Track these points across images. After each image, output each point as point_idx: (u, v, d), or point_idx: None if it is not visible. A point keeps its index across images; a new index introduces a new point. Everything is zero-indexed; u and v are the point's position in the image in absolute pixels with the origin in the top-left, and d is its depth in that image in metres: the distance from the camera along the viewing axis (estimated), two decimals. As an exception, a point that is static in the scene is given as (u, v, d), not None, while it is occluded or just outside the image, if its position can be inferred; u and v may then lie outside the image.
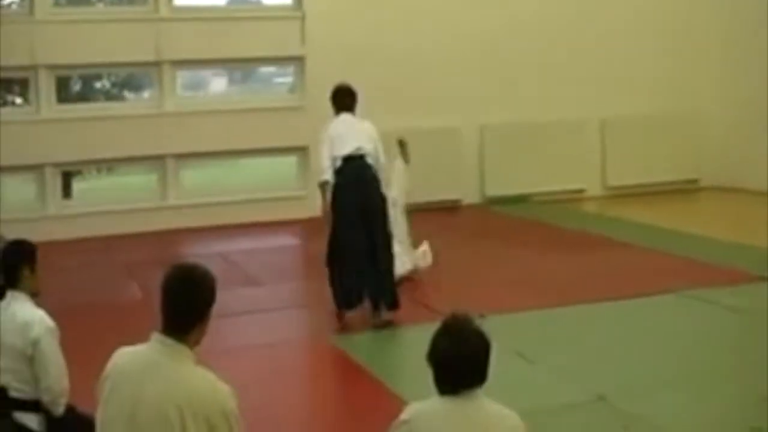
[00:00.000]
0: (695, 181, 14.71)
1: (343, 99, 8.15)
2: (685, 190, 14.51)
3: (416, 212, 12.56)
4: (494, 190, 13.70)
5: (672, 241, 10.68)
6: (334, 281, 7.72)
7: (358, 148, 7.60)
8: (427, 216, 12.59)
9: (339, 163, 7.57)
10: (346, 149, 7.58)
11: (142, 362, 3.29)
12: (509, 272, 9.49)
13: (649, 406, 5.76)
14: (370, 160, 7.65)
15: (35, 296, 4.67)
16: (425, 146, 13.06)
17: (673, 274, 9.16)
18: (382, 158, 7.84)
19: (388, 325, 7.49)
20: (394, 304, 7.59)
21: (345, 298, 7.61)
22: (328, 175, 7.54)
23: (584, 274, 9.33)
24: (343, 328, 7.54)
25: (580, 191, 14.19)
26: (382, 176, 7.77)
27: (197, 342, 3.34)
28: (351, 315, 7.64)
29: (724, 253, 9.92)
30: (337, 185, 7.53)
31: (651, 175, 14.37)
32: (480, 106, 13.48)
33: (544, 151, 13.76)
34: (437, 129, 13.23)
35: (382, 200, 7.69)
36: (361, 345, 7.05)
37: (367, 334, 7.41)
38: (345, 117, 7.98)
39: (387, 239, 7.65)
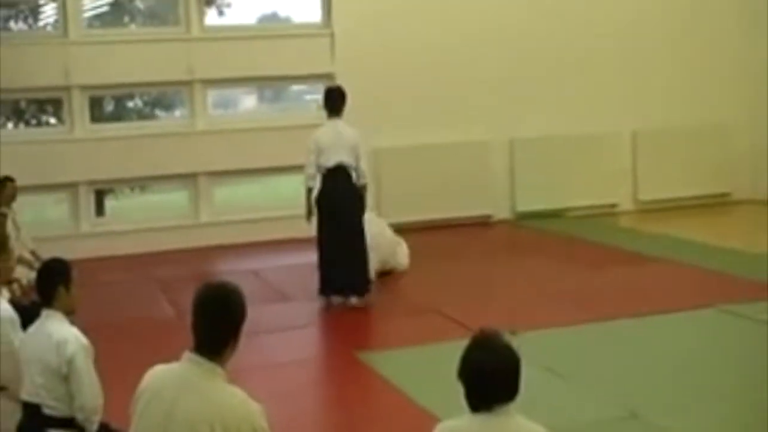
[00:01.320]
0: (728, 194, 14.59)
1: (336, 102, 9.09)
2: (718, 203, 14.39)
3: (447, 227, 12.64)
4: (525, 205, 13.64)
5: (706, 256, 10.60)
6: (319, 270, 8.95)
7: (340, 162, 8.75)
8: (458, 231, 12.61)
9: (323, 171, 8.78)
10: (330, 162, 8.75)
11: (175, 380, 3.32)
12: (540, 288, 9.44)
13: (683, 422, 5.72)
14: (350, 171, 8.80)
15: (70, 315, 4.71)
16: (454, 161, 13.12)
17: (707, 288, 9.09)
18: (362, 164, 8.91)
19: (358, 308, 8.69)
20: (362, 292, 8.80)
21: (321, 284, 8.89)
22: (313, 183, 8.87)
23: (617, 289, 9.28)
24: (327, 309, 8.81)
25: (612, 206, 14.11)
26: (363, 180, 8.92)
27: (228, 359, 3.37)
28: (336, 300, 8.83)
29: (759, 267, 9.82)
30: (320, 193, 8.81)
31: (683, 189, 14.26)
32: (510, 120, 13.46)
33: (575, 165, 13.70)
34: (467, 143, 13.23)
35: (358, 206, 8.85)
36: (391, 361, 7.04)
37: (397, 351, 7.41)
38: (334, 124, 8.98)
39: (359, 238, 8.81)
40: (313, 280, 9.54)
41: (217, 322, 3.34)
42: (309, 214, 8.94)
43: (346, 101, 9.12)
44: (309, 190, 8.91)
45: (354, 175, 8.85)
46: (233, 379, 3.36)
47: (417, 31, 13.01)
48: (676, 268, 10.08)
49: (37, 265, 7.08)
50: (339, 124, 8.97)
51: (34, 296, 4.93)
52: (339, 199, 8.78)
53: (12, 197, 10.05)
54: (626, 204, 14.24)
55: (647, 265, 10.40)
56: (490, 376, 3.19)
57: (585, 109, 13.80)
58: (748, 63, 14.45)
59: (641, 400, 6.10)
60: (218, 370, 3.32)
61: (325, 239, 8.87)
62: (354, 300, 8.85)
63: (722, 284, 9.25)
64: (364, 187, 8.97)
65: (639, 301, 8.66)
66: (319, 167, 8.81)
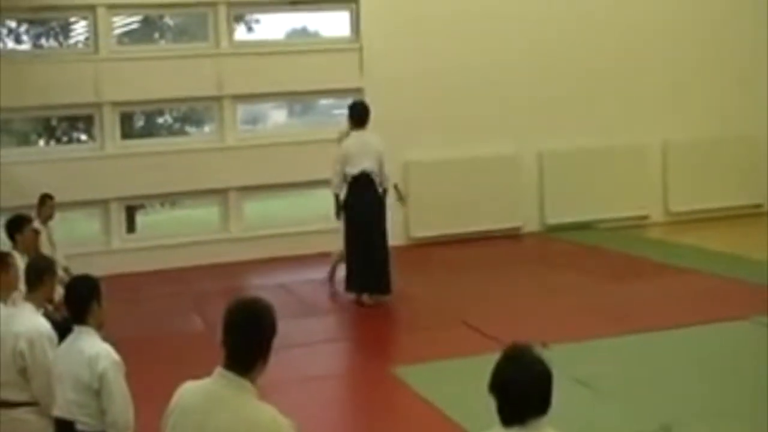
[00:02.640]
0: (759, 205, 14.47)
1: (361, 116, 9.76)
2: (750, 215, 14.26)
3: (477, 240, 12.60)
4: (554, 217, 13.60)
5: (738, 267, 10.50)
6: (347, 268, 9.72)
7: (363, 170, 9.44)
8: (488, 244, 12.58)
9: (349, 179, 9.48)
10: (355, 170, 9.44)
11: (206, 396, 3.33)
12: (571, 300, 9.40)
13: (717, 436, 5.66)
14: (373, 177, 9.50)
15: (101, 328, 4.73)
16: (484, 174, 13.11)
17: (740, 300, 9.01)
18: (386, 169, 9.66)
19: (375, 304, 9.30)
20: (383, 291, 9.42)
21: (348, 280, 9.64)
22: (340, 190, 9.58)
23: (649, 301, 9.21)
24: (358, 302, 9.49)
25: (643, 218, 14.03)
26: (387, 183, 9.69)
27: (259, 375, 3.37)
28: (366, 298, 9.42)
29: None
30: (347, 199, 9.54)
31: (714, 200, 14.16)
32: (538, 132, 13.43)
33: (605, 177, 13.64)
34: (495, 156, 13.21)
35: (380, 210, 9.53)
36: (422, 375, 7.02)
37: (429, 364, 7.39)
38: (359, 134, 9.62)
39: (382, 240, 9.48)
40: (344, 294, 9.60)
41: (247, 339, 3.35)
42: (338, 213, 9.76)
43: (370, 114, 9.80)
44: (336, 197, 9.72)
45: (377, 180, 9.56)
46: (264, 394, 3.36)
47: (445, 45, 13.02)
48: (709, 280, 10.00)
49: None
50: (365, 134, 9.64)
51: (65, 312, 4.96)
52: (364, 205, 9.49)
53: (50, 215, 10.15)
54: (657, 215, 14.16)
55: (679, 276, 10.32)
56: (522, 390, 3.17)
57: (614, 121, 13.76)
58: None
59: (674, 413, 6.05)
60: (249, 386, 3.32)
61: (352, 241, 9.55)
62: (375, 299, 9.46)
63: (755, 296, 9.15)
64: (386, 191, 9.73)
65: (671, 313, 8.59)
66: (345, 175, 9.52)
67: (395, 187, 10.23)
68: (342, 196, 9.60)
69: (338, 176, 9.57)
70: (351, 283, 9.63)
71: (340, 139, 9.98)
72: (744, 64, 14.35)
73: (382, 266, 9.43)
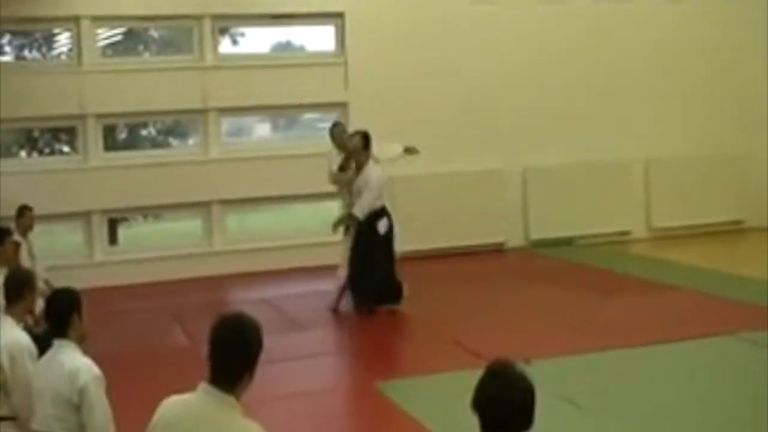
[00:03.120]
0: (740, 222, 14.54)
1: (371, 146, 9.91)
2: (731, 231, 14.34)
3: (460, 255, 12.61)
4: (538, 232, 13.63)
5: (720, 283, 10.54)
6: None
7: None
8: (472, 259, 12.59)
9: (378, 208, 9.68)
10: (381, 202, 9.77)
11: (189, 412, 3.31)
12: (555, 316, 9.41)
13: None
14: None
15: (82, 341, 4.70)
16: (469, 189, 13.12)
17: (722, 316, 9.04)
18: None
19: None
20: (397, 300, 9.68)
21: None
22: (363, 217, 9.64)
23: (631, 317, 9.23)
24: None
25: (625, 233, 14.08)
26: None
27: (244, 391, 3.35)
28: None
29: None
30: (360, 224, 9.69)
31: (696, 217, 14.23)
32: (523, 148, 13.47)
33: (589, 193, 13.69)
34: (481, 172, 13.23)
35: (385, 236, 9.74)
36: (406, 391, 7.01)
37: (413, 380, 7.38)
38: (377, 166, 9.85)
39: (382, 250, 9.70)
40: (327, 310, 9.60)
41: (233, 355, 3.33)
42: (347, 230, 10.02)
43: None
44: (353, 220, 9.86)
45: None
46: (247, 410, 3.34)
47: (430, 60, 13.05)
48: (691, 296, 10.03)
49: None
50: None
51: (46, 325, 4.91)
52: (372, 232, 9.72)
53: (29, 227, 10.08)
54: (640, 231, 14.20)
55: (661, 292, 10.35)
56: (504, 407, 3.15)
57: (598, 138, 13.81)
58: (762, 91, 14.43)
59: (656, 429, 6.05)
60: (233, 401, 3.30)
61: (353, 257, 9.79)
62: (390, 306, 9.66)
63: (737, 312, 9.20)
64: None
65: (654, 329, 8.61)
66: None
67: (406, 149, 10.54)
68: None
69: (372, 204, 9.68)
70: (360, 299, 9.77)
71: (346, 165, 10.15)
72: (725, 84, 14.45)
73: (389, 276, 9.73)
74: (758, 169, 14.42)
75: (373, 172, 9.77)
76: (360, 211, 9.67)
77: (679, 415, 6.36)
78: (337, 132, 10.57)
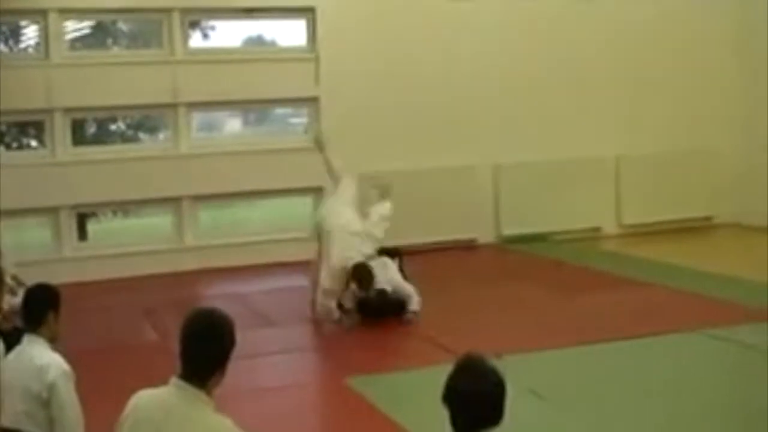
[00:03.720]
0: (710, 218, 14.66)
1: None
2: (700, 227, 14.45)
3: (432, 251, 12.62)
4: (510, 229, 13.66)
5: (689, 279, 10.62)
6: None
7: None
8: (443, 255, 12.60)
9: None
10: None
11: (161, 407, 3.29)
12: (525, 312, 9.44)
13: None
14: None
15: (53, 342, 4.66)
16: (440, 186, 13.13)
17: (691, 312, 9.11)
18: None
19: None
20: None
21: None
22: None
23: (601, 313, 9.28)
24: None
25: (596, 229, 14.15)
26: None
27: (215, 386, 3.34)
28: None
29: (741, 291, 9.85)
30: None
31: (666, 213, 14.32)
32: (494, 145, 13.49)
33: (560, 189, 13.74)
34: (452, 168, 13.23)
35: None
36: (377, 386, 7.01)
37: (384, 375, 7.38)
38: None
39: None
40: (299, 305, 9.58)
41: (205, 350, 3.32)
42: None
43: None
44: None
45: None
46: (219, 404, 3.33)
47: (402, 56, 13.04)
48: (660, 292, 10.09)
49: (19, 290, 7.01)
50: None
51: (15, 322, 4.88)
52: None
53: (-7, 222, 9.98)
54: (610, 228, 14.28)
55: (631, 288, 10.41)
56: (475, 401, 3.17)
57: (569, 135, 13.87)
58: (731, 88, 14.56)
59: (627, 424, 6.09)
60: (204, 397, 3.29)
61: None
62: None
63: (705, 308, 9.27)
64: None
65: (623, 325, 8.66)
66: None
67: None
68: None
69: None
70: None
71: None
72: (695, 81, 14.54)
73: None
74: (727, 165, 14.53)
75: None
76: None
77: (648, 410, 6.40)
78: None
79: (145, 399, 3.39)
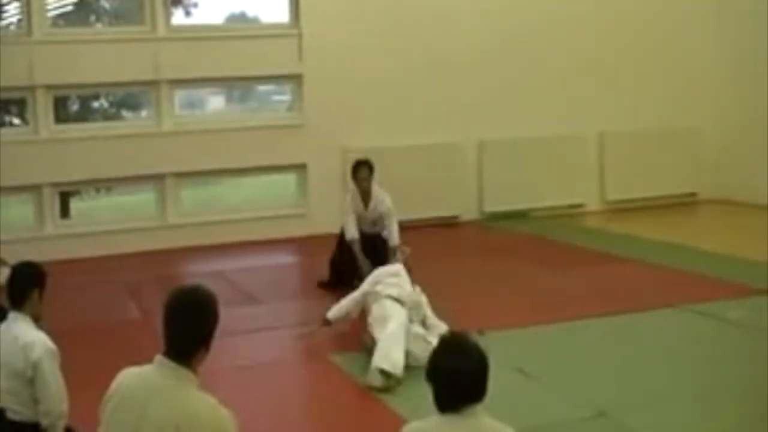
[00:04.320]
0: (694, 194, 14.72)
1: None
2: (684, 203, 14.52)
3: (414, 228, 12.62)
4: (493, 206, 13.68)
5: (672, 255, 10.68)
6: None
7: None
8: (426, 232, 12.61)
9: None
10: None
11: (146, 384, 3.30)
12: (508, 288, 9.48)
13: (650, 422, 5.75)
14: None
15: (37, 321, 4.66)
16: (423, 162, 13.12)
17: (674, 288, 9.17)
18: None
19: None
20: None
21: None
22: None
23: (584, 289, 9.33)
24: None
25: (579, 206, 14.18)
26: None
27: (200, 364, 3.34)
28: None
29: (724, 267, 9.93)
30: None
31: (649, 189, 14.39)
32: (478, 121, 13.50)
33: (543, 166, 13.77)
34: (435, 145, 13.23)
35: None
36: (360, 363, 7.03)
37: (366, 353, 7.39)
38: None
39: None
40: (282, 282, 9.58)
41: (189, 327, 3.31)
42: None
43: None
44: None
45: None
46: (203, 382, 3.34)
47: (386, 32, 13.01)
48: (643, 268, 10.16)
49: (1, 269, 6.99)
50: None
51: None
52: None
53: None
54: (593, 204, 14.32)
55: (614, 264, 10.46)
56: (458, 378, 3.19)
57: (552, 112, 13.89)
58: (714, 65, 14.62)
59: (609, 399, 6.13)
60: (189, 375, 3.30)
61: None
62: None
63: (689, 284, 9.34)
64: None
65: (606, 301, 8.71)
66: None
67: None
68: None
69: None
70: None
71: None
72: (679, 56, 14.59)
73: None
74: (710, 142, 14.61)
75: (383, 195, 9.86)
76: (394, 238, 9.65)
77: (630, 385, 6.45)
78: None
79: (129, 377, 3.39)
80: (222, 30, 13.22)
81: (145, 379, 3.32)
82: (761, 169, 13.54)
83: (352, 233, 9.60)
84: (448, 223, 13.31)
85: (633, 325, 7.94)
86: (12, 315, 4.60)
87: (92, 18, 14.15)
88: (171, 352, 3.30)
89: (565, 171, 13.92)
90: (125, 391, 3.34)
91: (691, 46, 14.62)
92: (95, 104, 15.16)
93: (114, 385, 3.40)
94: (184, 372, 3.28)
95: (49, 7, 12.37)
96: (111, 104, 15.41)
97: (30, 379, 4.44)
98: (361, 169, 9.77)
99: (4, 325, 4.61)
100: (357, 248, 9.56)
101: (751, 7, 13.94)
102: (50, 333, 4.61)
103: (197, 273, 10.59)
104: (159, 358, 3.32)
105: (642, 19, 14.34)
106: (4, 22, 12.90)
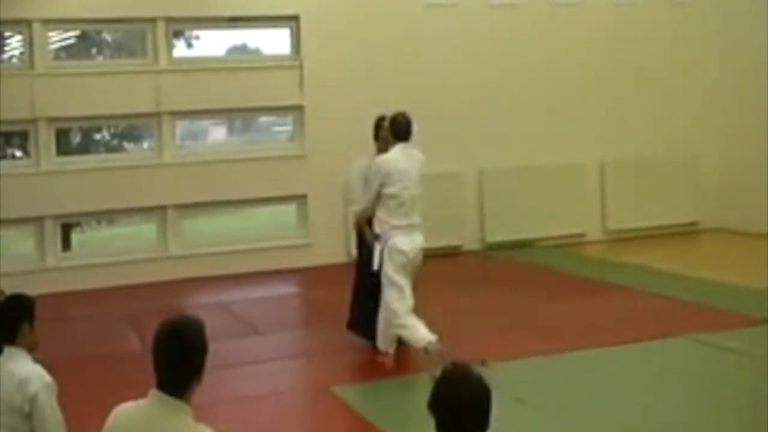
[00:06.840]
0: (695, 223, 14.71)
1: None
2: (685, 232, 14.50)
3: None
4: (494, 235, 13.66)
5: (673, 285, 10.65)
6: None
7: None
8: (428, 262, 12.56)
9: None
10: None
11: (141, 418, 3.28)
12: (511, 318, 9.46)
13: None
14: None
15: (33, 350, 4.63)
16: (424, 192, 13.07)
17: (675, 317, 9.14)
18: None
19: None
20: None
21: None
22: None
23: (586, 319, 9.30)
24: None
25: (581, 235, 14.17)
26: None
27: (193, 394, 3.33)
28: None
29: (725, 296, 9.90)
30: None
31: (651, 219, 14.37)
32: (479, 151, 13.51)
33: (544, 195, 13.76)
34: (436, 174, 13.11)
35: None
36: (362, 394, 7.01)
37: (368, 383, 7.37)
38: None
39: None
40: (284, 313, 9.53)
41: (176, 359, 3.30)
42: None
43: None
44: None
45: None
46: (201, 413, 3.32)
47: (386, 64, 13.06)
48: (645, 298, 10.12)
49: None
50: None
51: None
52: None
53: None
54: (595, 234, 14.30)
55: (616, 294, 10.43)
56: (461, 409, 3.16)
57: (553, 141, 13.90)
58: (714, 95, 14.65)
59: (612, 430, 6.09)
60: (184, 407, 3.28)
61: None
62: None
63: (690, 313, 9.30)
64: None
65: (608, 331, 8.68)
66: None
67: None
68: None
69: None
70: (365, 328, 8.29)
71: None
72: (679, 85, 14.61)
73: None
74: (711, 171, 14.62)
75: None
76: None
77: (632, 415, 6.41)
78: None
79: (125, 412, 3.38)
80: (223, 62, 13.28)
81: (141, 413, 3.31)
82: (762, 198, 13.54)
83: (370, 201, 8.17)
84: (451, 254, 13.29)
85: (635, 354, 7.91)
86: (7, 350, 4.57)
87: (94, 50, 14.21)
88: (163, 386, 3.29)
89: (566, 200, 13.91)
90: (121, 427, 3.32)
91: (692, 76, 14.66)
92: (97, 136, 15.21)
93: (110, 419, 3.39)
94: (179, 404, 3.27)
95: (51, 40, 12.44)
96: (113, 136, 15.45)
97: (28, 414, 4.40)
98: (384, 127, 8.89)
99: (1, 360, 4.58)
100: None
101: (752, 37, 13.99)
102: (48, 364, 4.58)
103: (199, 304, 10.58)
104: (154, 392, 3.31)
105: (643, 48, 14.39)
106: (6, 55, 12.97)
